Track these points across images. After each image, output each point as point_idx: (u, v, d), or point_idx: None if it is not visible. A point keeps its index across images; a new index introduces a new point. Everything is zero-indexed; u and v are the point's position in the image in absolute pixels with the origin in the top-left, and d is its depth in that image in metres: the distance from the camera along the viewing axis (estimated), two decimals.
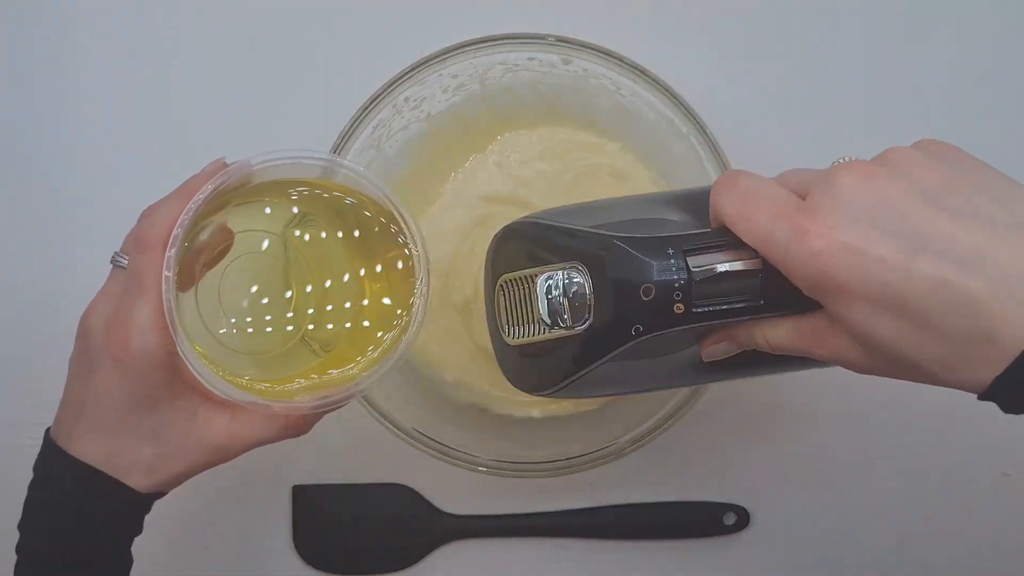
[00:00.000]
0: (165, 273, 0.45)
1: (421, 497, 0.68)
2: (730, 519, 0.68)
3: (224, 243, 0.50)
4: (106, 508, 0.47)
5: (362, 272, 0.53)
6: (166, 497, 0.69)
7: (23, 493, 0.68)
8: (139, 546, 0.69)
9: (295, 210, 0.53)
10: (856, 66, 0.70)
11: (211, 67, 0.70)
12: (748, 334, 0.44)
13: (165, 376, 0.46)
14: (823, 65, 0.70)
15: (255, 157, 0.48)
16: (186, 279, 0.49)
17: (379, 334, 0.52)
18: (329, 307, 0.53)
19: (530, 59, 0.62)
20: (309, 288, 0.52)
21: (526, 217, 0.50)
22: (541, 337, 0.46)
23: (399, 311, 0.52)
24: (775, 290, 0.41)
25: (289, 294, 0.52)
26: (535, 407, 0.65)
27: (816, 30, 0.70)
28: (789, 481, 0.69)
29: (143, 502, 0.49)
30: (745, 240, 0.41)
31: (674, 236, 0.43)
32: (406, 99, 0.62)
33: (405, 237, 0.50)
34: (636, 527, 0.68)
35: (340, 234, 0.53)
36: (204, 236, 0.49)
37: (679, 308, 0.42)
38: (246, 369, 0.51)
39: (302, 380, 0.52)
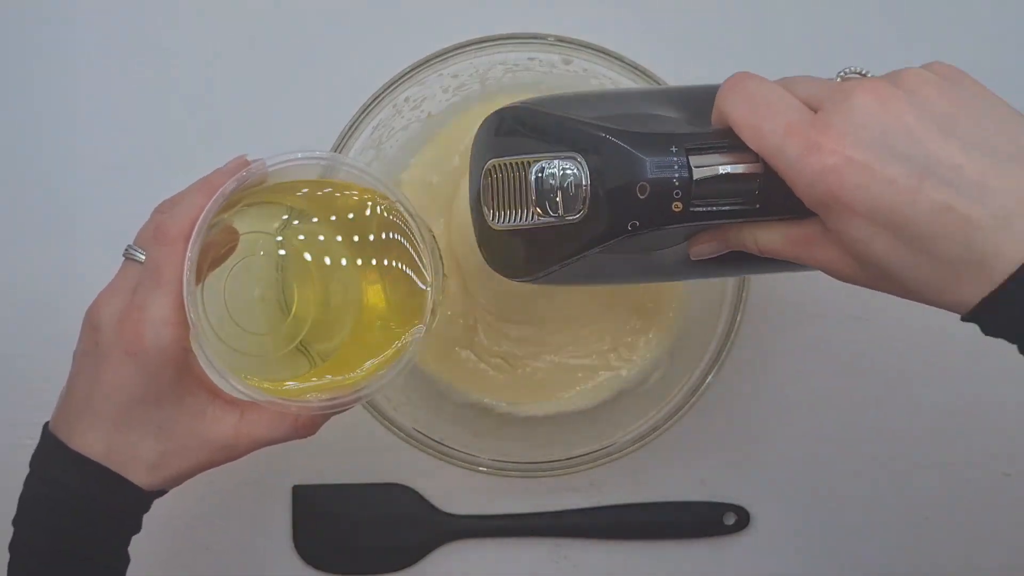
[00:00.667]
0: (188, 263, 0.45)
1: (421, 497, 0.68)
2: (730, 519, 0.68)
3: (229, 243, 0.50)
4: (107, 504, 0.47)
5: (370, 276, 0.53)
6: (166, 497, 0.69)
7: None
8: (139, 546, 0.69)
9: (301, 213, 0.53)
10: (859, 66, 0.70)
11: (211, 67, 0.70)
12: (738, 235, 0.44)
13: (176, 372, 0.46)
14: (824, 66, 0.70)
15: (271, 158, 0.48)
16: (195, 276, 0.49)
17: (386, 338, 0.52)
18: (330, 313, 0.53)
19: (530, 59, 0.62)
20: (309, 293, 0.52)
21: (522, 102, 0.49)
22: (529, 224, 0.46)
23: (407, 315, 0.52)
24: (773, 196, 0.41)
25: (290, 299, 0.52)
26: (537, 407, 0.66)
27: (817, 31, 0.70)
28: (789, 481, 0.69)
29: (144, 499, 0.48)
30: (752, 147, 0.41)
31: (677, 134, 0.43)
32: (406, 99, 0.62)
33: (414, 240, 0.50)
34: (636, 527, 0.68)
35: (341, 238, 0.53)
36: (212, 235, 0.49)
37: (677, 206, 0.42)
38: (247, 370, 0.51)
39: (295, 383, 0.51)
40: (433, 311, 0.50)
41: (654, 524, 0.68)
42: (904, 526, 0.69)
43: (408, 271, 0.51)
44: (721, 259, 0.46)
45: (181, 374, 0.46)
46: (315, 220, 0.53)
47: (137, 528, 0.49)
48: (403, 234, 0.51)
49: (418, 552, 0.68)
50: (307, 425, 0.49)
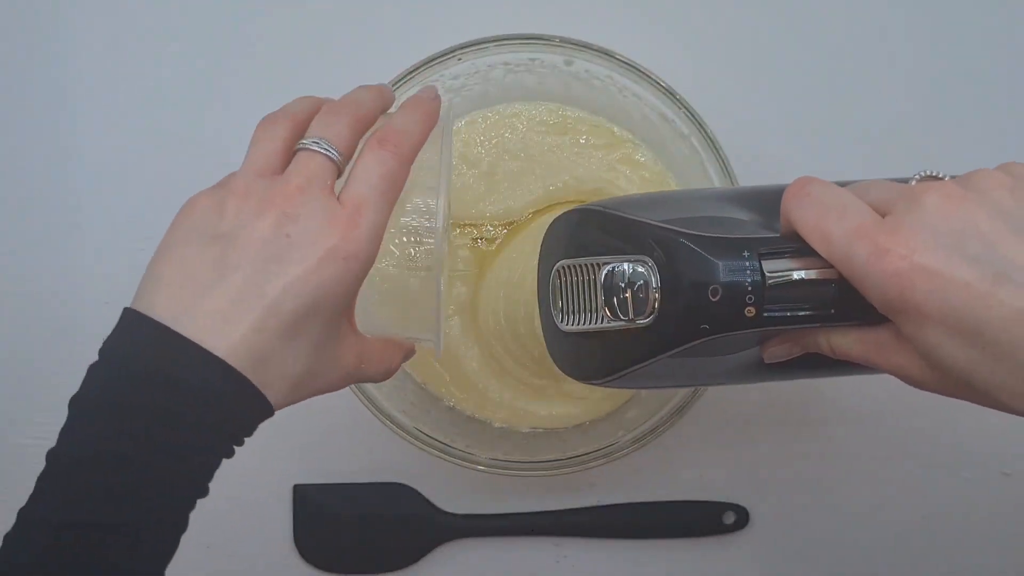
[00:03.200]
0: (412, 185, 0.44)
1: (421, 497, 0.68)
2: (730, 519, 0.68)
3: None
4: (228, 422, 0.39)
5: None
6: None
7: (24, 492, 0.68)
8: None
9: None
10: (857, 69, 0.70)
11: (212, 67, 0.70)
12: (813, 338, 0.43)
13: (356, 290, 0.42)
14: (824, 67, 0.70)
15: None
16: None
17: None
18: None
19: (532, 60, 0.62)
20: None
21: (592, 204, 0.49)
22: (598, 327, 0.46)
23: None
24: (846, 301, 0.41)
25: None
26: (537, 423, 0.66)
27: (818, 33, 0.70)
28: (789, 481, 0.69)
29: (261, 410, 0.41)
30: (821, 253, 0.40)
31: (749, 239, 0.42)
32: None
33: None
34: (636, 527, 0.68)
35: None
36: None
37: (750, 312, 0.41)
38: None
39: None
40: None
41: (654, 524, 0.68)
42: (904, 525, 0.69)
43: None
44: (794, 362, 0.45)
45: (338, 292, 0.41)
46: None
47: (205, 491, 0.42)
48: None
49: (418, 551, 0.68)
50: (409, 354, 0.49)
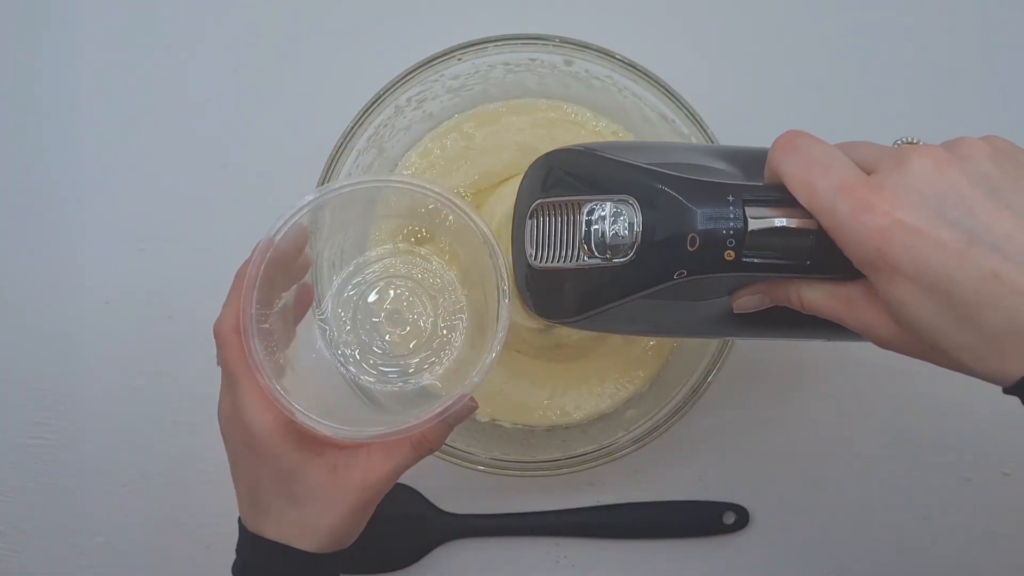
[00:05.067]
0: (251, 351, 0.47)
1: (421, 496, 0.68)
2: (730, 518, 0.68)
3: (309, 298, 0.56)
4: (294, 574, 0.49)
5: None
6: (167, 496, 0.69)
7: (26, 490, 0.68)
8: (139, 545, 0.69)
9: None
10: (858, 69, 0.70)
11: (212, 67, 0.70)
12: (783, 290, 0.44)
13: (295, 442, 0.48)
14: (824, 67, 0.70)
15: (272, 230, 0.48)
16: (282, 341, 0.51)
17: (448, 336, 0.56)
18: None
19: (531, 60, 0.62)
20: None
21: (576, 145, 0.49)
22: (573, 265, 0.46)
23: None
24: (823, 254, 0.41)
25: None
26: (536, 421, 0.66)
27: (818, 34, 0.70)
28: (789, 481, 0.69)
29: (328, 561, 0.50)
30: (803, 205, 0.41)
31: (734, 184, 0.43)
32: (408, 99, 0.62)
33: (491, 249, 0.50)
34: (636, 527, 0.68)
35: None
36: (289, 298, 0.52)
37: (729, 255, 0.42)
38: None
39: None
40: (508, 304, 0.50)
41: (654, 524, 0.68)
42: (904, 526, 0.69)
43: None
44: (762, 318, 0.46)
45: (301, 441, 0.49)
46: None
47: None
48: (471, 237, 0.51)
49: (418, 551, 0.68)
50: (423, 443, 0.50)
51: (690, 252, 0.42)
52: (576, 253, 0.46)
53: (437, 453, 0.61)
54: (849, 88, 0.70)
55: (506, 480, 0.64)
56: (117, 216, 0.69)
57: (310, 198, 0.49)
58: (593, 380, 0.65)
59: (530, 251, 0.49)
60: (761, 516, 0.69)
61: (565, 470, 0.62)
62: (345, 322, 0.59)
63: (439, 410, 0.48)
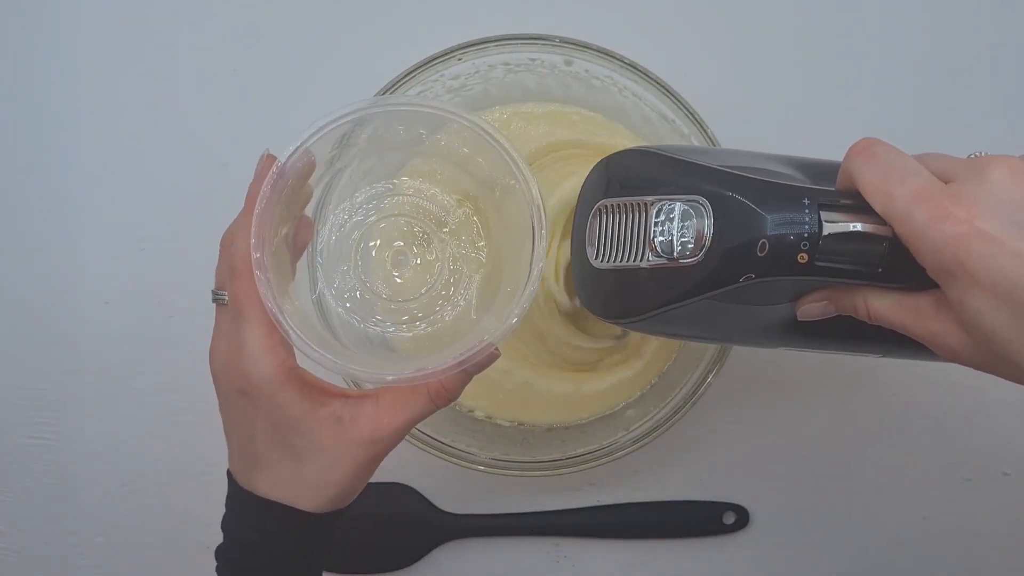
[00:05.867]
0: (263, 287, 0.44)
1: (421, 496, 0.68)
2: (730, 518, 0.68)
3: (308, 233, 0.51)
4: (284, 536, 0.47)
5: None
6: (167, 496, 0.69)
7: (26, 490, 0.69)
8: (139, 545, 0.69)
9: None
10: (859, 69, 0.70)
11: (212, 68, 0.70)
12: (850, 298, 0.44)
13: (296, 392, 0.45)
14: (825, 68, 0.70)
15: (294, 145, 0.45)
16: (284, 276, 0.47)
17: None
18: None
19: (531, 60, 0.62)
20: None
21: (644, 147, 0.49)
22: (635, 264, 0.45)
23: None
24: (894, 262, 0.41)
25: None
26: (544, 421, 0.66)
27: (819, 34, 0.70)
28: (789, 481, 0.69)
29: (321, 522, 0.47)
30: (879, 211, 0.40)
31: (809, 188, 0.42)
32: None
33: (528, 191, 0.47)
34: (636, 527, 0.68)
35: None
36: (291, 232, 0.48)
37: (803, 258, 0.41)
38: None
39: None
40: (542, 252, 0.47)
41: (654, 524, 0.68)
42: (904, 526, 0.69)
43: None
44: (822, 328, 0.45)
45: (303, 391, 0.45)
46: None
47: (327, 546, 0.49)
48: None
49: (418, 551, 0.68)
50: (441, 393, 0.47)
51: (760, 255, 0.41)
52: (641, 253, 0.45)
53: (437, 453, 0.61)
54: (850, 88, 0.70)
55: (506, 480, 0.64)
56: (117, 216, 0.69)
57: (356, 106, 0.45)
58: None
59: (591, 251, 0.49)
60: (761, 516, 0.69)
61: (565, 470, 0.62)
62: (348, 258, 0.54)
63: (462, 356, 0.44)
